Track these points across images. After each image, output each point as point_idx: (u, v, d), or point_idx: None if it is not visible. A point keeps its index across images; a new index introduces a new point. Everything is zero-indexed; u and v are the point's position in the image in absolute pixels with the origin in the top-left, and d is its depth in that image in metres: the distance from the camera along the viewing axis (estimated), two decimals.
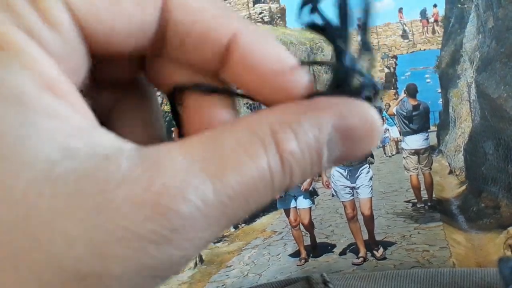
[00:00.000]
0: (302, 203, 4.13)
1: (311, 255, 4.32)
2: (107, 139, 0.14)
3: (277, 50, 0.17)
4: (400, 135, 6.21)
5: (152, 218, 0.13)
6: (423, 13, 17.41)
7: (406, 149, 5.37)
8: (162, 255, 0.14)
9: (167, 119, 3.97)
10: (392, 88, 17.61)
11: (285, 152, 0.15)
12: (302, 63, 0.18)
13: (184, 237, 0.14)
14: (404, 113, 5.20)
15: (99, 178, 0.13)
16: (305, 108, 0.16)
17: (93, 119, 0.15)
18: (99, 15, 0.15)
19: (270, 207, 6.43)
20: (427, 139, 5.35)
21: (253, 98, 0.18)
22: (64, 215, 0.13)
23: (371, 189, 4.05)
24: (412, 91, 5.27)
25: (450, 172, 7.35)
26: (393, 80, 17.95)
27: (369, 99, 0.17)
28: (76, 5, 0.15)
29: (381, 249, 4.07)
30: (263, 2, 13.98)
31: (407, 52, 17.69)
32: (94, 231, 0.13)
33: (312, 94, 0.17)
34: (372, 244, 4.11)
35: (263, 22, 12.14)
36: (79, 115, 0.14)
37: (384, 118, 10.59)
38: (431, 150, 5.73)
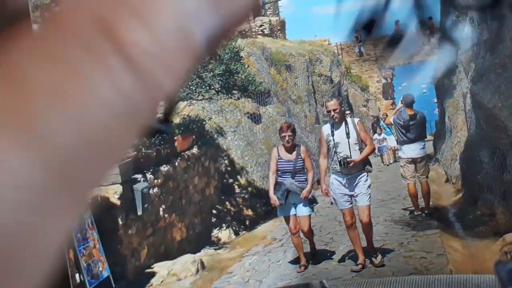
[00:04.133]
0: (302, 210, 4.19)
1: (310, 262, 4.36)
2: None
3: None
4: (398, 144, 6.30)
5: None
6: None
7: (403, 158, 5.44)
8: None
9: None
10: (390, 98, 17.72)
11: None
12: None
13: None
14: (401, 123, 5.29)
15: None
16: None
17: None
18: None
19: (270, 215, 6.47)
20: (423, 148, 5.42)
21: None
22: None
23: (369, 197, 4.09)
24: (409, 101, 5.36)
25: (447, 180, 7.41)
26: (390, 90, 18.07)
27: None
28: None
29: (380, 256, 4.11)
30: (263, 15, 14.14)
31: (404, 63, 17.85)
32: None
33: None
34: (370, 251, 4.15)
35: (263, 34, 12.27)
36: None
37: (381, 127, 10.69)
38: (427, 158, 5.80)
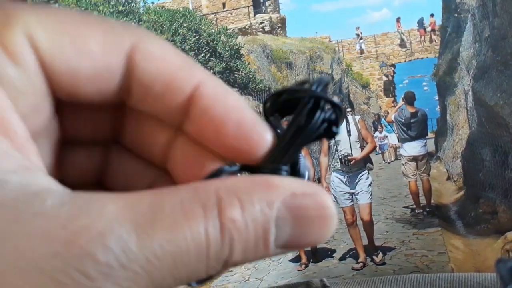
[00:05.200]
0: None
1: (311, 260, 4.35)
2: (43, 180, 0.14)
3: (239, 104, 0.17)
4: (399, 141, 6.28)
5: (62, 256, 0.12)
6: (420, 23, 17.56)
7: (404, 156, 5.42)
8: None
9: None
10: (391, 96, 17.71)
11: (227, 220, 0.14)
12: (266, 118, 0.17)
13: (95, 285, 0.12)
14: (403, 120, 5.27)
15: (19, 209, 0.13)
16: (256, 181, 0.15)
17: (38, 161, 0.15)
18: (64, 53, 0.15)
19: None
20: (425, 145, 5.41)
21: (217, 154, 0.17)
22: None
23: (370, 195, 4.08)
24: (410, 99, 5.34)
25: (448, 178, 7.40)
26: (392, 88, 18.05)
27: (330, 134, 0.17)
28: (41, 42, 0.15)
29: (381, 254, 4.10)
30: (264, 12, 14.12)
31: (405, 61, 17.81)
32: None
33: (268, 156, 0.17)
34: (371, 249, 4.14)
35: (264, 31, 12.26)
36: (20, 155, 0.14)
37: (382, 125, 10.67)
38: (429, 156, 5.78)
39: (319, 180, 4.87)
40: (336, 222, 0.15)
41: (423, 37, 17.42)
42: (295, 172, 0.17)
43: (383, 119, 10.73)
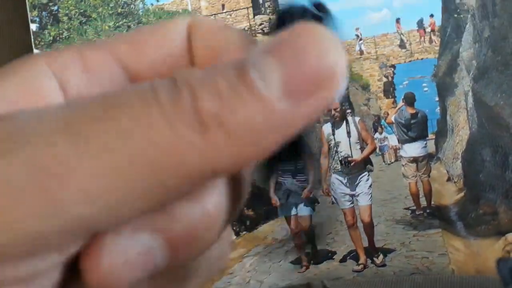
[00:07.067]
0: (303, 210, 4.17)
1: (312, 262, 4.34)
2: None
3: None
4: (399, 143, 6.28)
5: None
6: (420, 23, 17.52)
7: (404, 157, 5.40)
8: None
9: None
10: (391, 97, 17.75)
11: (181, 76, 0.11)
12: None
13: None
14: (403, 122, 5.25)
15: None
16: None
17: None
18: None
19: (271, 215, 6.46)
20: (425, 147, 5.39)
21: None
22: None
23: (371, 196, 4.06)
24: (410, 100, 5.32)
25: (448, 179, 7.38)
26: (391, 89, 18.05)
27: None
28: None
29: (381, 256, 4.08)
30: (263, 14, 14.18)
31: (405, 62, 17.74)
32: None
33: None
34: (372, 251, 4.13)
35: (263, 33, 12.32)
36: None
37: (382, 126, 10.69)
38: (429, 157, 5.77)
39: (319, 182, 4.87)
40: (335, 43, 0.11)
41: (422, 38, 17.43)
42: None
43: (383, 120, 10.75)
